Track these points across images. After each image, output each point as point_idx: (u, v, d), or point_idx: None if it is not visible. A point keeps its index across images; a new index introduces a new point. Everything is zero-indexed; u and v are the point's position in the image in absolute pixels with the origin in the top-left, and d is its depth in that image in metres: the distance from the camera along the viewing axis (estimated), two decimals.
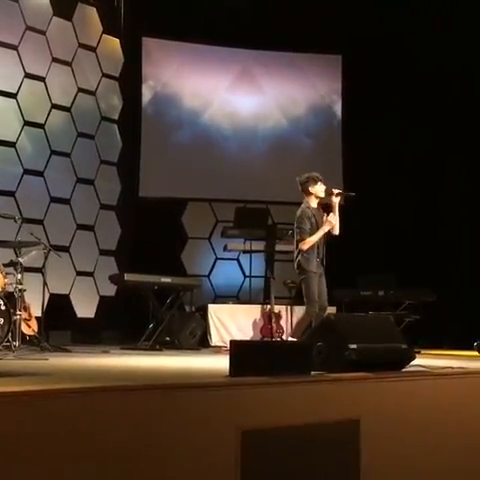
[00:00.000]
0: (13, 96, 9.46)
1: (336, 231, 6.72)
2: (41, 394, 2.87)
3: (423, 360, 4.98)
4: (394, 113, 10.83)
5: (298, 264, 6.73)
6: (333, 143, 11.63)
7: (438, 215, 10.34)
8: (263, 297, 9.73)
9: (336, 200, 6.79)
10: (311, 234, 6.63)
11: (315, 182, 6.80)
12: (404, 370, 4.60)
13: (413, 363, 4.69)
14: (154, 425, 3.07)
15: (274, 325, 8.97)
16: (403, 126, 10.82)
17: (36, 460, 2.71)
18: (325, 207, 6.88)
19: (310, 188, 6.80)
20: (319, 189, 6.80)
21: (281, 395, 3.59)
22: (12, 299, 6.98)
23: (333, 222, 6.63)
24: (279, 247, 9.61)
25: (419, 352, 6.74)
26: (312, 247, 6.62)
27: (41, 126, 9.79)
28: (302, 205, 6.82)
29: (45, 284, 7.56)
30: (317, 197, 6.83)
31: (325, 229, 6.63)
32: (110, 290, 9.98)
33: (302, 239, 6.64)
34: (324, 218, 6.69)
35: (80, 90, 10.30)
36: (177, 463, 3.11)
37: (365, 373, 4.17)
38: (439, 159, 10.48)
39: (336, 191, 6.82)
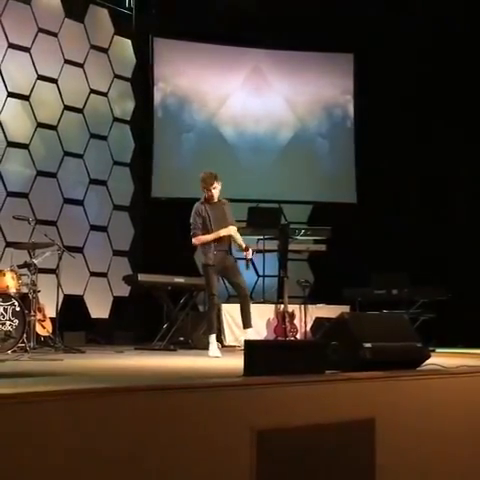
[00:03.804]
0: (26, 98, 9.51)
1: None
2: (56, 395, 2.88)
3: (438, 359, 4.95)
4: (406, 111, 10.80)
5: (199, 259, 7.22)
6: (346, 142, 11.60)
7: (452, 212, 10.30)
8: (277, 296, 9.71)
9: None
10: (204, 229, 7.04)
11: (202, 188, 7.17)
12: (419, 369, 4.58)
13: (428, 362, 4.67)
14: (168, 426, 3.07)
15: (288, 324, 8.96)
16: (415, 124, 10.79)
17: (50, 461, 2.71)
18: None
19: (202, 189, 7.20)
20: (206, 194, 7.15)
21: (296, 394, 3.58)
22: (26, 300, 7.02)
23: (231, 233, 7.06)
24: (292, 246, 9.59)
25: (434, 351, 6.72)
26: (210, 242, 7.02)
27: (54, 128, 9.83)
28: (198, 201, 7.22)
29: (59, 285, 7.59)
30: (209, 199, 7.17)
31: (221, 233, 7.02)
32: (124, 290, 10.01)
33: (194, 235, 7.09)
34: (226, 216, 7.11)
35: (92, 91, 10.34)
36: (192, 464, 3.11)
37: (380, 372, 4.15)
38: (453, 157, 10.43)
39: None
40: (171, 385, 3.39)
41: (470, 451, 4.36)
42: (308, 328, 9.27)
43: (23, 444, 2.64)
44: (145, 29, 10.92)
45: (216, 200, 7.21)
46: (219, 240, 7.06)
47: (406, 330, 4.84)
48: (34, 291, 7.12)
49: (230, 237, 7.13)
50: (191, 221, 7.15)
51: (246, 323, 7.08)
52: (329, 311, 9.12)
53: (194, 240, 7.15)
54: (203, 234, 7.07)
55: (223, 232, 7.03)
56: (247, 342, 4.27)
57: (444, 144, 10.46)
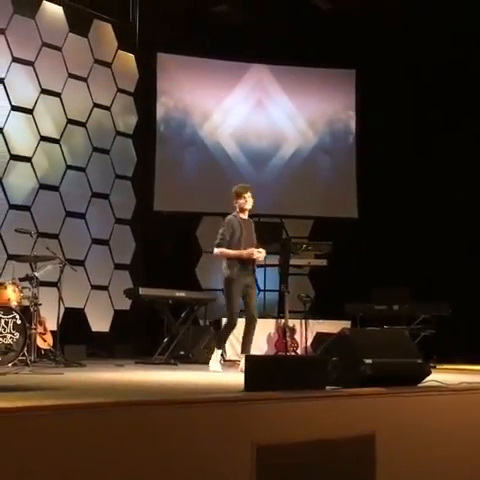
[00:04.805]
0: (29, 111, 9.55)
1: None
2: (56, 409, 2.88)
3: (438, 375, 4.95)
4: (408, 127, 10.84)
5: (223, 273, 6.98)
6: (347, 158, 11.63)
7: (453, 229, 10.30)
8: (277, 311, 9.71)
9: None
10: (231, 242, 6.87)
11: (238, 195, 7.05)
12: (419, 385, 4.58)
13: (428, 378, 4.67)
14: (169, 440, 3.07)
15: (288, 339, 8.94)
16: (417, 140, 10.82)
17: (50, 475, 2.71)
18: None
19: (234, 201, 7.07)
20: (245, 202, 7.03)
21: (296, 410, 3.58)
22: (28, 313, 7.02)
23: (254, 255, 6.86)
24: (293, 261, 9.59)
25: (434, 367, 6.71)
26: (233, 257, 6.85)
27: (57, 141, 9.86)
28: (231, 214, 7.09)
29: (60, 298, 7.59)
30: (242, 209, 7.05)
31: (243, 253, 6.86)
32: (125, 304, 10.00)
33: (219, 245, 6.92)
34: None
35: (95, 105, 10.38)
36: (192, 479, 3.11)
37: (380, 388, 4.15)
38: (455, 172, 10.45)
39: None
40: (171, 400, 3.39)
41: (471, 468, 4.35)
42: (309, 343, 9.26)
43: (23, 457, 2.64)
44: (149, 44, 10.97)
45: (246, 216, 7.09)
46: (245, 259, 6.88)
47: (407, 346, 4.84)
48: (35, 304, 7.11)
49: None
50: (220, 231, 6.96)
51: (245, 348, 6.93)
52: (330, 326, 9.11)
53: (216, 251, 6.96)
54: (228, 247, 6.90)
55: (245, 254, 6.85)
56: (248, 357, 4.27)
57: (446, 159, 10.48)
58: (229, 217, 7.06)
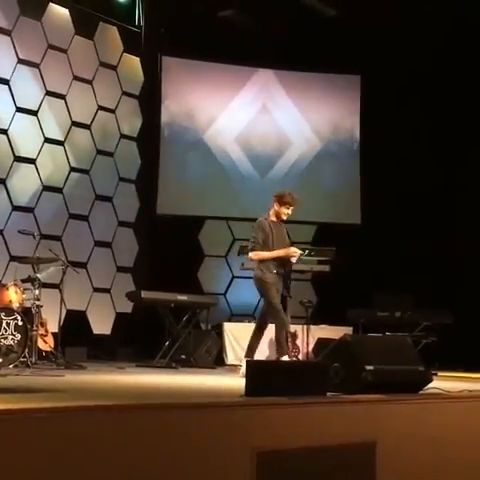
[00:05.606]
0: (34, 113, 9.57)
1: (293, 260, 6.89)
2: (56, 411, 2.88)
3: (440, 382, 4.93)
4: (412, 133, 10.84)
5: (255, 275, 6.85)
6: (351, 164, 11.63)
7: (456, 236, 10.29)
8: None
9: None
10: (265, 245, 6.74)
11: (284, 203, 6.90)
12: (421, 392, 4.57)
13: (430, 385, 4.66)
14: (169, 444, 3.06)
15: (290, 345, 8.90)
16: (421, 146, 10.82)
17: (50, 478, 2.71)
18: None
19: (275, 205, 6.92)
20: (287, 213, 6.93)
21: (297, 416, 3.57)
22: (29, 315, 7.02)
23: (292, 253, 6.80)
24: (296, 266, 9.55)
25: (436, 374, 6.69)
26: (268, 259, 6.73)
27: (61, 143, 9.88)
28: (262, 216, 6.95)
29: (62, 300, 7.59)
30: (278, 216, 6.94)
31: (280, 253, 6.76)
32: (127, 307, 10.01)
33: (253, 249, 6.78)
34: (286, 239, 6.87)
35: (100, 108, 10.40)
36: None
37: (382, 395, 4.14)
38: (458, 180, 10.44)
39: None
40: (172, 403, 3.38)
41: (472, 476, 4.33)
42: (310, 349, 9.24)
43: (23, 459, 2.63)
44: (154, 47, 10.99)
45: (277, 221, 6.99)
46: (280, 262, 6.79)
47: (409, 353, 4.82)
48: (37, 306, 7.11)
49: (289, 260, 6.83)
50: (253, 235, 6.81)
51: (249, 353, 6.93)
52: (331, 332, 9.09)
53: (252, 255, 6.82)
54: (262, 250, 6.79)
55: (283, 253, 6.77)
56: (249, 362, 4.27)
57: (450, 166, 10.47)
58: (260, 220, 6.90)
